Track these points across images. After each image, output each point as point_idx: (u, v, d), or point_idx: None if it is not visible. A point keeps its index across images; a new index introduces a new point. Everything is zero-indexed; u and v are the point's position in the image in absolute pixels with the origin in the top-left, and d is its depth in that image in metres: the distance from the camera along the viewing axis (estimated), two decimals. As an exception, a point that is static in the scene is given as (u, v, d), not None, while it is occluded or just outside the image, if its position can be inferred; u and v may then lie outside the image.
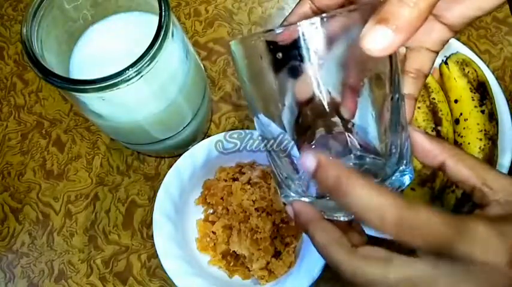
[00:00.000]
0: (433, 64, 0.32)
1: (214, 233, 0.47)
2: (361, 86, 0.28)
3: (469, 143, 0.45)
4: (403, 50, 0.31)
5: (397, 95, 0.28)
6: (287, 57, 0.26)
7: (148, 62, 0.35)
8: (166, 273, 0.42)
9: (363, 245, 0.28)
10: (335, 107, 0.27)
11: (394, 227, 0.24)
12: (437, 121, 0.46)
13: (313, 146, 0.29)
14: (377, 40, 0.23)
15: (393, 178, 0.28)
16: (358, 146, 0.29)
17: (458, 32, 0.31)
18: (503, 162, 0.46)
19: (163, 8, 0.37)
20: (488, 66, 0.49)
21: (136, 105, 0.41)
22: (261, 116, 0.29)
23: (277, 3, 0.61)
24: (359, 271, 0.26)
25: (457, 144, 0.46)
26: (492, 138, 0.45)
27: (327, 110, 0.27)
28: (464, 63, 0.47)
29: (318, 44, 0.25)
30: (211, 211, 0.49)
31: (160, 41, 0.36)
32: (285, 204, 0.31)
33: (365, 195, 0.24)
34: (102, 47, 0.44)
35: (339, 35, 0.26)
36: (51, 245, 0.52)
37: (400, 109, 0.28)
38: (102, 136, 0.56)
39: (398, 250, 0.26)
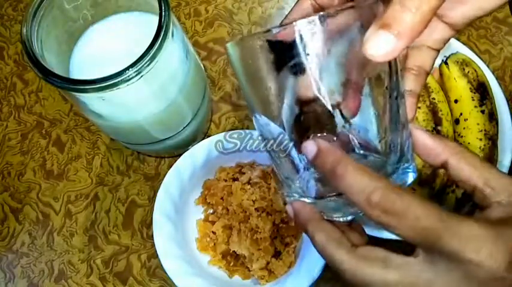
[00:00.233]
0: (434, 62, 0.32)
1: (214, 233, 0.47)
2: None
3: (469, 143, 0.45)
4: None
5: (396, 93, 0.28)
6: (285, 56, 0.26)
7: (148, 62, 0.35)
8: (166, 273, 0.42)
9: (363, 245, 0.28)
10: (335, 106, 0.27)
11: (377, 208, 0.25)
12: (437, 121, 0.46)
13: None
14: (379, 46, 0.24)
15: (395, 176, 0.28)
16: (359, 145, 0.29)
17: (459, 31, 0.31)
18: (504, 162, 0.46)
19: (163, 8, 0.37)
20: (488, 66, 0.49)
21: (136, 105, 0.41)
22: (260, 116, 0.29)
23: (277, 3, 0.61)
24: (359, 271, 0.26)
25: (457, 144, 0.46)
26: (492, 138, 0.45)
27: (328, 109, 0.27)
28: (464, 63, 0.47)
29: (316, 42, 0.25)
30: (211, 211, 0.49)
31: (160, 41, 0.36)
32: (285, 204, 0.31)
33: (356, 178, 0.25)
34: (102, 47, 0.44)
35: (337, 33, 0.26)
36: (51, 245, 0.52)
37: (400, 107, 0.28)
38: (102, 136, 0.56)
39: (397, 251, 0.26)
